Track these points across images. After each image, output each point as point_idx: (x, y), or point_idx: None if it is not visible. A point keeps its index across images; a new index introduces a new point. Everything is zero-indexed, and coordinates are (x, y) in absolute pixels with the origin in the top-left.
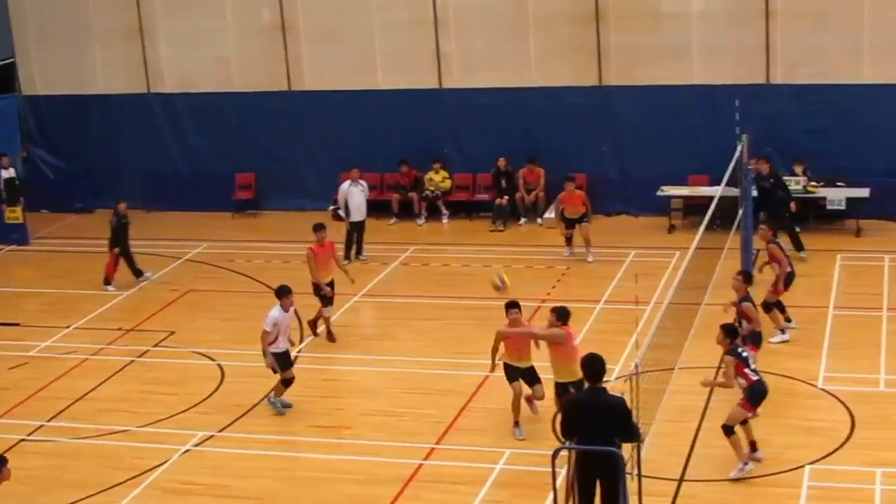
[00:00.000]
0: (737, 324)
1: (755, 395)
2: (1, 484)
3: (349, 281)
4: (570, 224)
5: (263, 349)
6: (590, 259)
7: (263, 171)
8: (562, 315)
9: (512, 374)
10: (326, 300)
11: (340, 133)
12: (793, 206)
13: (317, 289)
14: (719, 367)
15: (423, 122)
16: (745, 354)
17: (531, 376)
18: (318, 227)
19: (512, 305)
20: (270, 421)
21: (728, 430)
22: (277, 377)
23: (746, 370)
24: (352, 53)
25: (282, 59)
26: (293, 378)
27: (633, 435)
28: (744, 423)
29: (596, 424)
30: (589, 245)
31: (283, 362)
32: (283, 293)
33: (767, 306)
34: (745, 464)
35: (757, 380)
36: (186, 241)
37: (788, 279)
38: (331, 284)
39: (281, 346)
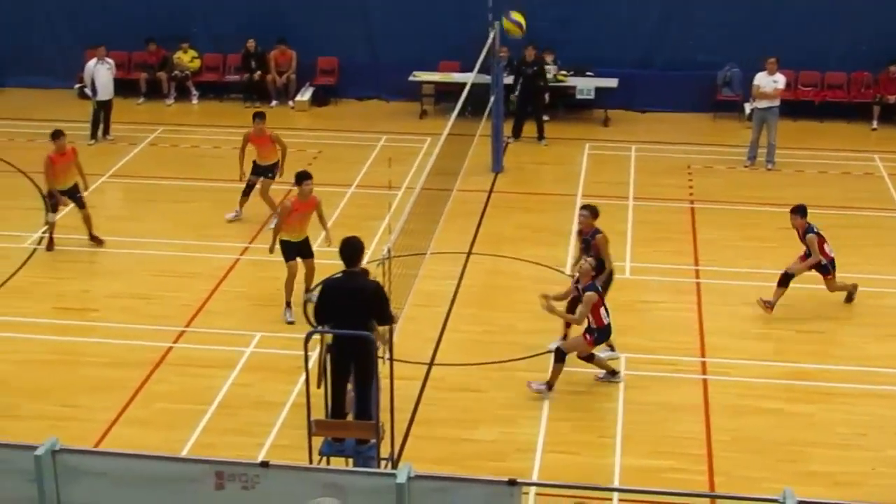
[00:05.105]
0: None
1: (602, 336)
2: None
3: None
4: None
5: None
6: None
7: (5, 48)
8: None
9: (289, 251)
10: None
11: (82, 9)
12: (547, 97)
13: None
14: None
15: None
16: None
17: (307, 249)
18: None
19: (304, 176)
20: (10, 302)
21: (560, 356)
22: None
23: (602, 310)
24: None
25: None
26: None
27: (388, 318)
28: (589, 358)
29: (351, 308)
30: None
31: None
32: None
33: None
34: (548, 387)
35: (608, 323)
36: None
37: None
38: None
39: None
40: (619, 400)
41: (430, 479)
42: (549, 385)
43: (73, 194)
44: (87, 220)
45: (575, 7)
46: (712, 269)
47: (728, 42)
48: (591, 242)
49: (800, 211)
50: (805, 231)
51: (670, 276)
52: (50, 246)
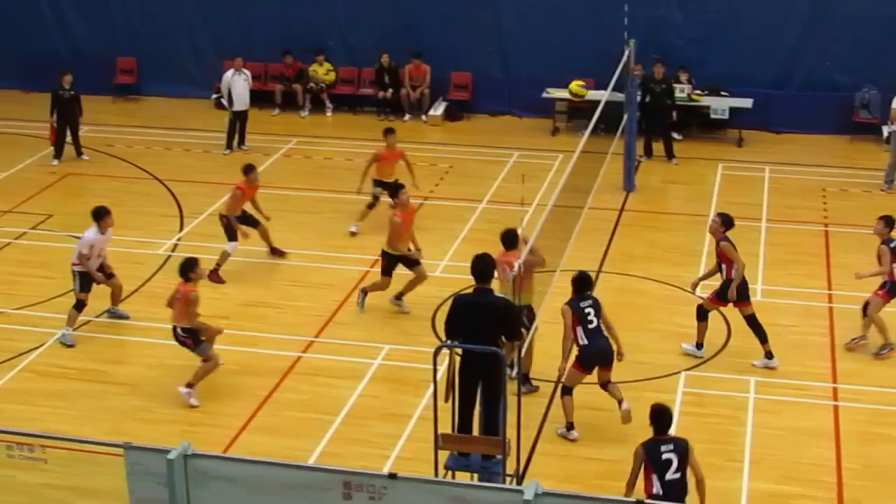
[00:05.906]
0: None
1: (585, 358)
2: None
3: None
4: None
5: (82, 272)
6: None
7: (145, 56)
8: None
9: (390, 264)
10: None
11: (222, 20)
12: (674, 114)
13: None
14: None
15: (306, 12)
16: (586, 308)
17: (412, 259)
18: (249, 169)
19: (398, 187)
20: (145, 308)
21: (565, 390)
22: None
23: (579, 330)
24: None
25: None
26: (85, 303)
27: (517, 334)
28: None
29: (481, 324)
30: None
31: (85, 283)
32: (101, 215)
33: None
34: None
35: (584, 345)
36: None
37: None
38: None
39: (93, 265)
40: (748, 424)
41: (558, 497)
42: (569, 425)
43: (250, 221)
44: (266, 236)
45: (710, 26)
46: (846, 293)
47: (866, 63)
48: (717, 250)
49: (887, 220)
50: (885, 241)
51: (802, 299)
52: (216, 277)
